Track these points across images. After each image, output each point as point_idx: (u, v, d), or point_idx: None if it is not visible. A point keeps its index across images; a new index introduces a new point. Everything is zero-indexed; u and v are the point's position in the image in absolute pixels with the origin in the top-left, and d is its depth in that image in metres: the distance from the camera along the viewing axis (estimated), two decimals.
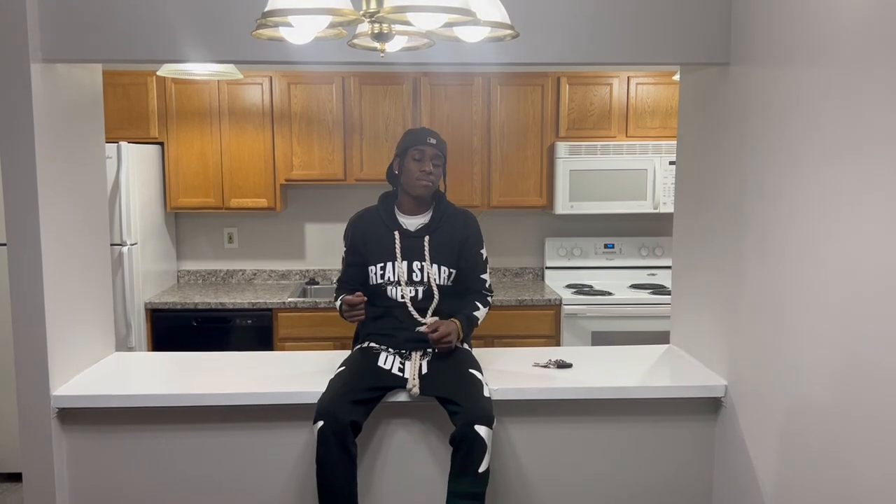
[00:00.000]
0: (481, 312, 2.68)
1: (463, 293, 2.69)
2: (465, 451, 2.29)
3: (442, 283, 2.63)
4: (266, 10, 1.55)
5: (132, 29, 2.41)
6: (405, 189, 2.64)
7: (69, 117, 2.61)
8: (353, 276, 2.69)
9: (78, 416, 2.54)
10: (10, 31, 2.33)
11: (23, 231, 2.40)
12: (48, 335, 2.45)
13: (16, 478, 3.96)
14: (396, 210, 2.67)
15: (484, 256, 2.72)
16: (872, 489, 1.81)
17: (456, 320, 2.58)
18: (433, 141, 2.60)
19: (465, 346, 2.67)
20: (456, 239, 2.65)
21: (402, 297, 2.60)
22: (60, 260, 2.52)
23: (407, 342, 2.58)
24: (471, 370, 2.48)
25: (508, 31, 1.77)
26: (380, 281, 2.63)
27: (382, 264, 2.62)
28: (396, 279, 2.61)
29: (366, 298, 2.53)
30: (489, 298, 2.73)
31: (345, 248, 2.72)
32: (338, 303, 2.65)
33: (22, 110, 2.36)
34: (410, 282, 2.61)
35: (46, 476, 2.49)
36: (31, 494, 2.50)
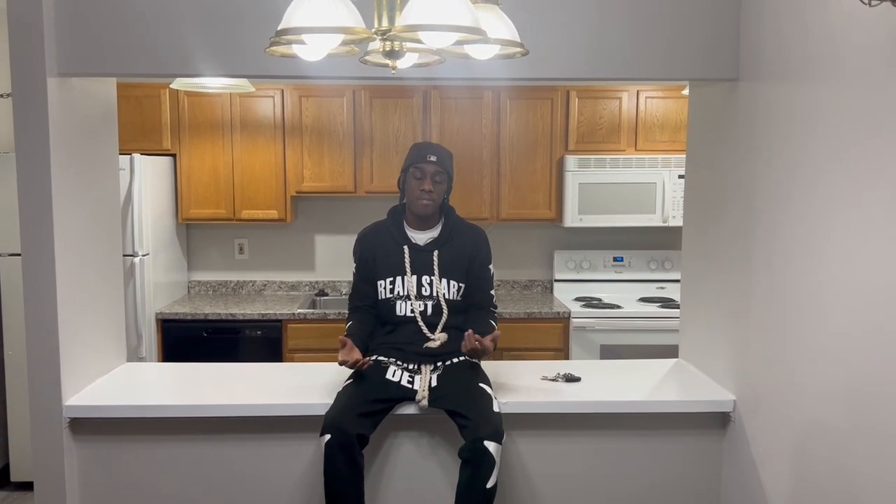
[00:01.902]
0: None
1: (470, 308, 2.69)
2: (474, 466, 2.29)
3: (451, 297, 2.63)
4: (280, 28, 1.58)
5: (147, 44, 2.45)
6: (409, 206, 2.65)
7: (84, 130, 2.64)
8: (366, 292, 2.68)
9: (89, 426, 2.56)
10: (27, 46, 2.37)
11: (37, 241, 2.43)
12: (61, 345, 2.47)
13: (27, 487, 3.99)
14: (405, 224, 2.68)
15: (491, 272, 2.72)
16: None
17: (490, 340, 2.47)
18: (433, 158, 2.58)
19: (474, 359, 2.67)
20: (465, 254, 2.65)
21: (412, 311, 2.61)
22: (74, 270, 2.55)
23: (416, 357, 2.58)
24: (480, 384, 2.49)
25: (518, 49, 1.79)
26: (389, 296, 2.63)
27: (392, 279, 2.63)
28: (406, 293, 2.62)
29: (368, 362, 2.49)
30: (496, 316, 2.72)
31: (355, 265, 2.72)
32: (348, 325, 2.67)
33: (38, 123, 2.39)
34: (420, 296, 2.62)
35: (58, 484, 2.51)
36: (42, 501, 2.52)
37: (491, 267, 2.71)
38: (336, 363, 3.00)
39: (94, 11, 2.43)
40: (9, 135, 4.17)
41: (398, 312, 2.62)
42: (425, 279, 2.62)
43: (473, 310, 2.67)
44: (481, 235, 2.72)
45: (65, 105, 2.49)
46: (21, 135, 2.40)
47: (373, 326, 2.67)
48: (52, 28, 2.40)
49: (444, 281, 2.62)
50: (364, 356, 2.51)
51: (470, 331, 2.44)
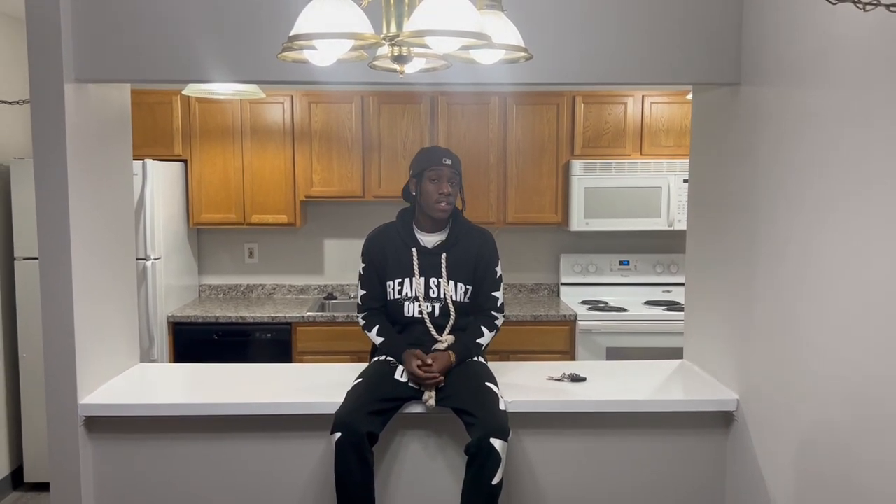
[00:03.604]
0: (485, 338, 2.67)
1: (475, 310, 2.72)
2: (480, 463, 2.34)
3: (459, 299, 2.67)
4: (291, 34, 1.63)
5: (161, 50, 2.51)
6: (424, 210, 2.67)
7: (99, 135, 2.70)
8: (379, 293, 2.71)
9: (104, 424, 2.61)
10: (45, 53, 2.44)
11: (54, 245, 2.49)
12: (76, 345, 2.53)
13: (41, 487, 4.05)
14: (414, 227, 2.72)
15: (498, 274, 2.74)
16: None
17: (452, 353, 2.57)
18: (448, 161, 2.61)
19: (481, 359, 2.71)
20: (472, 256, 2.69)
21: (419, 313, 2.65)
22: (89, 273, 2.61)
23: None
24: (486, 383, 2.53)
25: (522, 54, 1.84)
26: (397, 297, 2.68)
27: (400, 280, 2.67)
28: (414, 295, 2.66)
29: (429, 362, 2.52)
30: (497, 321, 2.72)
31: (363, 265, 2.74)
32: (373, 333, 2.67)
33: (55, 129, 2.45)
34: (427, 298, 2.66)
35: (73, 480, 2.56)
36: (57, 498, 2.57)
37: (498, 269, 2.74)
38: (344, 365, 3.07)
39: (110, 19, 2.49)
40: (26, 141, 4.24)
41: (406, 313, 2.66)
42: (433, 281, 2.66)
43: (475, 312, 2.72)
44: (488, 238, 2.75)
45: (81, 111, 2.55)
46: (39, 140, 2.46)
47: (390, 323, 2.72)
48: (69, 35, 2.47)
49: (452, 283, 2.66)
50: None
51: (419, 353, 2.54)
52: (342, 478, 2.38)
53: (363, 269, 2.74)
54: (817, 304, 2.10)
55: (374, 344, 2.80)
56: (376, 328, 2.68)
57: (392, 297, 2.68)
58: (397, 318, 2.69)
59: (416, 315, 2.65)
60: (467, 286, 2.68)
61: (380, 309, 2.73)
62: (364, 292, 2.74)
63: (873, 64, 1.85)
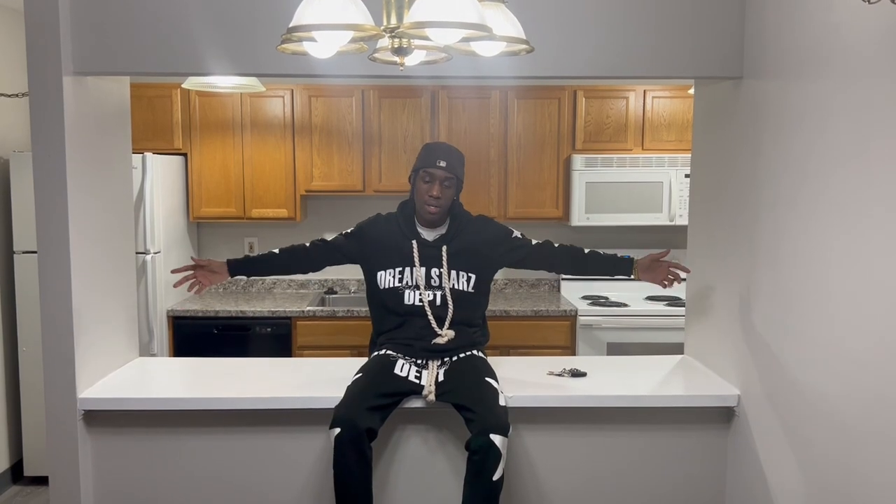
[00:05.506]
0: (590, 249, 2.78)
1: (560, 257, 2.78)
2: (480, 458, 2.33)
3: (461, 288, 2.66)
4: (291, 25, 1.62)
5: (160, 43, 2.50)
6: (417, 209, 2.68)
7: (98, 128, 2.69)
8: (332, 248, 2.76)
9: (103, 418, 2.60)
10: (44, 45, 2.42)
11: (53, 239, 2.48)
12: (75, 339, 2.52)
13: (40, 481, 4.04)
14: (415, 220, 2.71)
15: (521, 236, 2.78)
16: (887, 501, 1.82)
17: (623, 258, 2.71)
18: (443, 164, 2.59)
19: (481, 354, 2.71)
20: (477, 244, 2.69)
21: (420, 301, 2.64)
22: (88, 267, 2.60)
23: (424, 352, 2.62)
24: (486, 378, 2.52)
25: (523, 46, 1.82)
26: (396, 285, 2.66)
27: (401, 269, 2.66)
28: (414, 283, 2.65)
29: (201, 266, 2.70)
30: (562, 244, 2.80)
31: (350, 230, 2.78)
32: (276, 250, 2.78)
33: (54, 122, 2.44)
34: (429, 286, 2.65)
35: (72, 475, 2.56)
36: (56, 492, 2.57)
37: (517, 234, 2.78)
38: (344, 359, 3.07)
39: (108, 11, 2.48)
40: (25, 134, 4.23)
41: (406, 301, 2.64)
42: (434, 271, 2.65)
43: (561, 256, 2.78)
44: (487, 221, 2.77)
45: (80, 104, 2.54)
46: (37, 133, 2.45)
47: (290, 262, 2.79)
48: (67, 27, 2.45)
49: (454, 272, 2.65)
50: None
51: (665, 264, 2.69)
52: (341, 473, 2.37)
53: (346, 235, 2.77)
54: (818, 299, 2.10)
55: (372, 338, 2.80)
56: (288, 248, 2.79)
57: (391, 286, 2.66)
58: (396, 308, 2.67)
59: (417, 303, 2.64)
60: (470, 274, 2.67)
61: (311, 247, 2.78)
62: (331, 238, 2.79)
63: (876, 57, 1.83)
